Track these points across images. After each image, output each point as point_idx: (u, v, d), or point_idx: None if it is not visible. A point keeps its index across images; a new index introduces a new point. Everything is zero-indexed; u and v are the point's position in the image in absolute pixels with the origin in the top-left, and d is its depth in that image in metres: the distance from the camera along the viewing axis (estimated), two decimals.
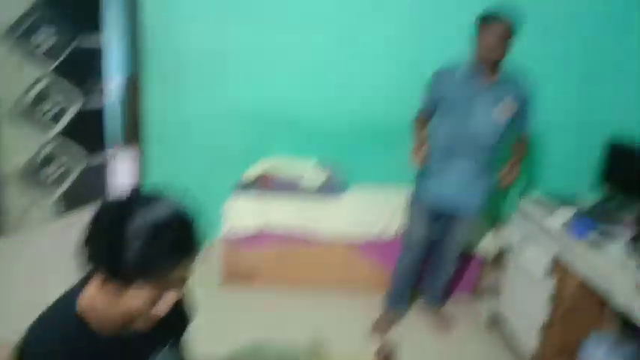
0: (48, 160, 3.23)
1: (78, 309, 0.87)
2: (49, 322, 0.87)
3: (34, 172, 3.15)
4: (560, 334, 1.97)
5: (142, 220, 0.79)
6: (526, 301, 2.20)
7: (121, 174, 3.96)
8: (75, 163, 3.45)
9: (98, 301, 0.85)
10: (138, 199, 0.84)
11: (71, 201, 3.42)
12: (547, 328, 2.01)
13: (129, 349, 0.92)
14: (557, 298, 1.96)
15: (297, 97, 2.90)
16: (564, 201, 2.29)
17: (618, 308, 1.56)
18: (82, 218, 0.84)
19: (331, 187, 2.79)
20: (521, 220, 2.34)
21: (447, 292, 2.68)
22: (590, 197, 2.45)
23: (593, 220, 1.98)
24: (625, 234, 1.87)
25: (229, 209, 2.69)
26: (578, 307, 1.92)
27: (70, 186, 3.42)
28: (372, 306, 2.61)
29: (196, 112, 2.90)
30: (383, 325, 2.46)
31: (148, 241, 0.78)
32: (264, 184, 2.76)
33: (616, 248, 1.78)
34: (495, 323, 2.52)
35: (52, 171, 3.27)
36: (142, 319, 0.86)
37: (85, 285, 0.89)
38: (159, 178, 3.00)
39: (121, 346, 0.90)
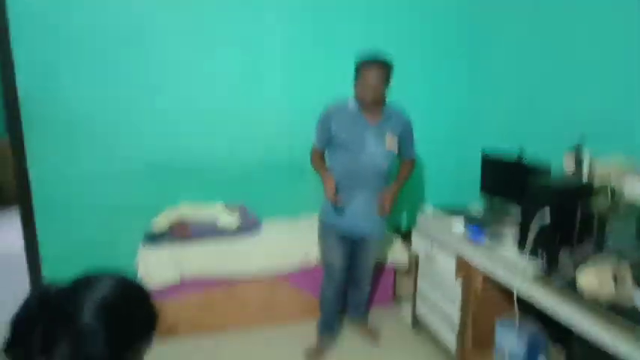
0: None
1: None
2: None
3: None
4: (474, 326, 2.27)
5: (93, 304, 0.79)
6: (441, 302, 2.48)
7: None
8: None
9: None
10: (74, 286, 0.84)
11: None
12: (462, 323, 2.30)
13: None
14: (466, 295, 2.26)
15: (199, 144, 2.95)
16: (456, 211, 2.67)
17: (520, 297, 1.88)
18: None
19: (247, 226, 2.83)
20: (423, 231, 2.64)
21: (369, 304, 2.88)
22: (477, 206, 2.88)
23: (482, 226, 2.34)
24: (510, 233, 2.25)
25: (142, 262, 2.56)
26: (487, 300, 2.23)
27: None
28: (304, 334, 2.69)
29: (92, 170, 2.78)
30: (317, 353, 2.55)
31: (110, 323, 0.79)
32: (179, 232, 2.69)
33: (507, 247, 2.13)
34: (418, 324, 2.78)
35: None
36: None
37: None
38: (57, 243, 2.76)
39: None
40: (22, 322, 0.77)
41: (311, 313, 2.81)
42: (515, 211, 2.47)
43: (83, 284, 0.82)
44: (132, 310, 0.85)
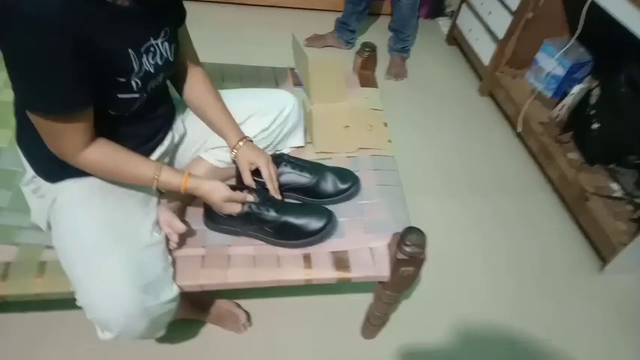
0: None
1: None
2: None
3: None
4: (519, 42, 2.08)
5: None
6: (488, 16, 2.22)
7: None
8: None
9: None
10: None
11: None
12: (503, 40, 2.10)
13: (123, 21, 0.80)
14: (521, 9, 1.99)
15: None
16: None
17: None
18: None
19: None
20: None
21: (412, 41, 2.53)
22: None
23: None
24: None
25: None
26: (542, 17, 1.97)
27: None
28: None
29: None
30: (318, 41, 2.49)
31: None
32: None
33: None
34: (454, 40, 2.61)
35: None
36: None
37: None
38: None
39: (113, 15, 0.77)
40: None
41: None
42: None
43: None
44: None
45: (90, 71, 0.75)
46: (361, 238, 1.05)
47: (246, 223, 1.01)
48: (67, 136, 0.79)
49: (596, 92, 1.77)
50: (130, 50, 0.81)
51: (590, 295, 1.55)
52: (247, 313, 1.30)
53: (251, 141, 1.07)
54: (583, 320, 1.47)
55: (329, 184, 1.11)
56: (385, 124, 1.34)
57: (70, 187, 0.91)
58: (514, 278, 1.56)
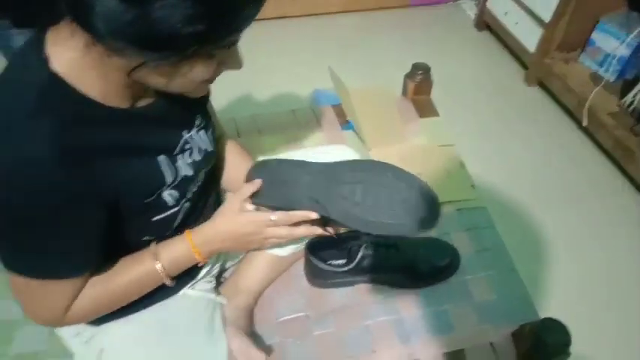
0: None
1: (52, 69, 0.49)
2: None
3: None
4: (566, 27, 1.83)
5: None
6: None
7: None
8: None
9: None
10: None
11: None
12: (551, 22, 1.85)
13: (147, 126, 0.59)
14: None
15: None
16: None
17: None
18: None
19: None
20: None
21: None
22: None
23: None
24: None
25: None
26: None
27: None
28: None
29: None
30: None
31: None
32: None
33: None
34: (485, 25, 2.35)
35: None
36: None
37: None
38: None
39: (133, 121, 0.57)
40: None
41: None
42: None
43: None
44: None
45: (106, 214, 0.55)
46: (477, 331, 0.85)
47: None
48: (53, 300, 0.59)
49: None
50: (159, 158, 0.61)
51: None
52: None
53: None
54: None
55: (421, 260, 0.90)
56: (462, 165, 1.12)
57: (119, 328, 0.72)
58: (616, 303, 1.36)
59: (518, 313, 0.85)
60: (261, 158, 0.94)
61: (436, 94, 1.30)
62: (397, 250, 0.89)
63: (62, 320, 0.61)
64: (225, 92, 1.26)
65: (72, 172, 0.49)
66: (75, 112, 0.50)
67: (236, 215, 0.67)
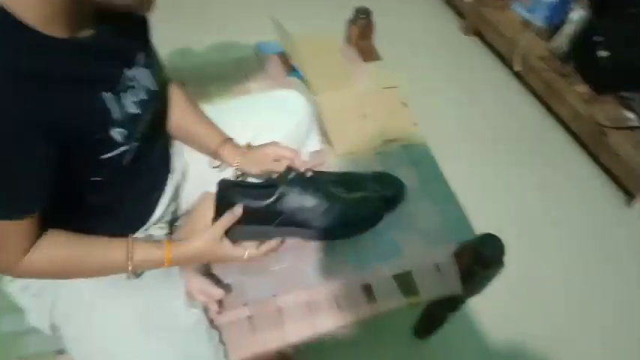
0: None
1: None
2: None
3: None
4: None
5: None
6: None
7: None
8: None
9: None
10: None
11: None
12: None
13: (87, 56, 0.58)
14: None
15: None
16: None
17: None
18: None
19: None
20: None
21: None
22: None
23: None
24: None
25: None
26: None
27: None
28: None
29: None
30: None
31: None
32: None
33: None
34: None
35: None
36: None
37: None
38: None
39: (74, 52, 0.56)
40: None
41: None
42: None
43: None
44: None
45: (55, 149, 0.54)
46: (423, 254, 0.91)
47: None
48: (3, 243, 0.57)
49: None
50: (105, 95, 0.60)
51: (619, 231, 1.51)
52: None
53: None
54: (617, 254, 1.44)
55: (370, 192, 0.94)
56: (405, 104, 1.16)
57: (71, 281, 0.71)
58: (556, 231, 1.50)
59: (458, 233, 0.92)
60: (207, 105, 0.94)
61: (377, 45, 1.33)
62: (345, 187, 0.92)
63: (15, 268, 0.60)
64: (167, 45, 1.23)
65: (22, 100, 0.48)
66: (16, 39, 0.49)
67: (215, 245, 0.72)
